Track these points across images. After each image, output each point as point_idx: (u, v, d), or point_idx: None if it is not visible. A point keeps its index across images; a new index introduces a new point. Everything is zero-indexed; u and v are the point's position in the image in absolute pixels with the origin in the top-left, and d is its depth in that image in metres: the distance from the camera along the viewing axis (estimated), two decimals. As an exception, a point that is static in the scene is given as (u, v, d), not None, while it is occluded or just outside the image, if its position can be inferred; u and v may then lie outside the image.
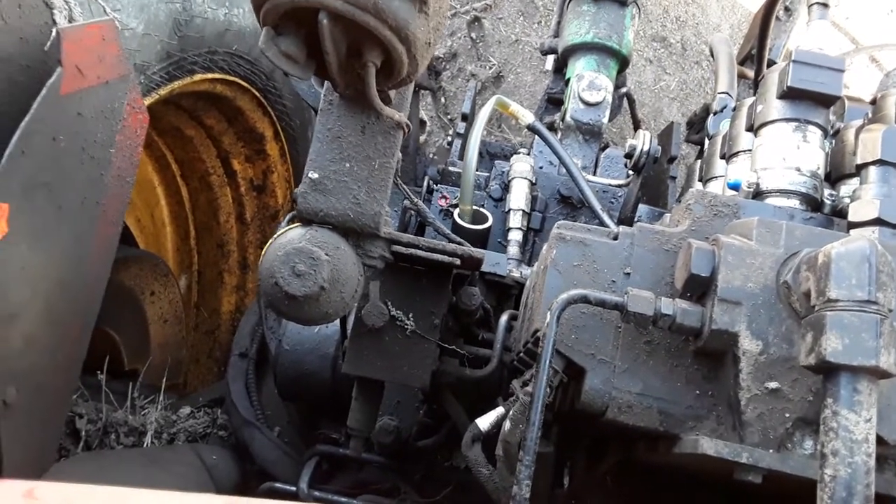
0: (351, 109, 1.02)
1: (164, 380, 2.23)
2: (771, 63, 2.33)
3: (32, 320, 1.15)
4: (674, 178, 2.37)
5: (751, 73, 2.59)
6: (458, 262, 1.21)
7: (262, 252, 1.01)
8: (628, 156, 1.71)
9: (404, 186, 1.25)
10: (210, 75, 1.91)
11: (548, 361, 0.99)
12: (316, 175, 1.03)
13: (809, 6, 1.52)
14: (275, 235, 1.02)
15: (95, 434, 1.99)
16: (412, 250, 1.14)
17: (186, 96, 2.02)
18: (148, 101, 1.62)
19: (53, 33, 1.12)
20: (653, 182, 2.39)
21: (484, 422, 1.23)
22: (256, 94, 2.17)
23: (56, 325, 1.22)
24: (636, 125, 3.03)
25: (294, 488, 1.57)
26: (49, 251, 1.13)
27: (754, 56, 2.48)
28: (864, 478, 0.79)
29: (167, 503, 0.70)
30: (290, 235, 1.01)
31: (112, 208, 1.24)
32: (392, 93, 1.00)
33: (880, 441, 0.93)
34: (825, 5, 1.61)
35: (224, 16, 1.84)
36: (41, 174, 1.07)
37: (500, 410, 1.23)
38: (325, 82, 1.00)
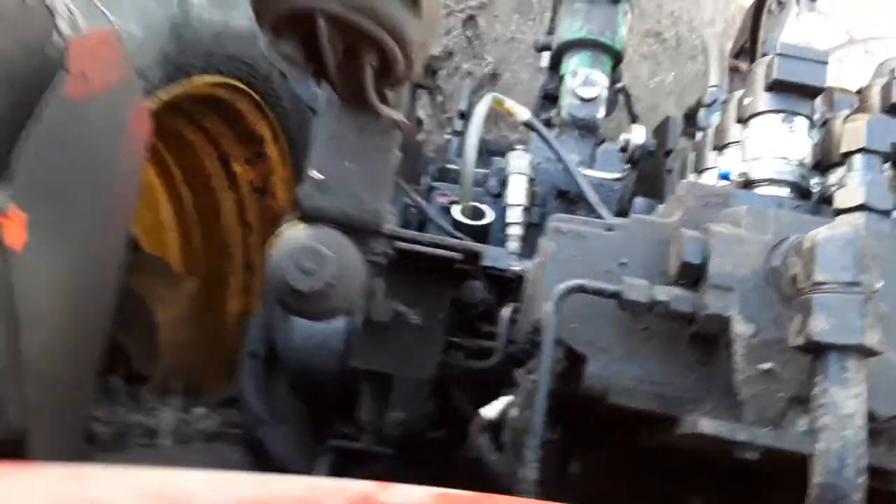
0: (349, 110, 1.05)
1: (176, 382, 2.26)
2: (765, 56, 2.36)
3: (52, 326, 1.19)
4: (670, 171, 2.40)
5: (745, 67, 2.62)
6: (459, 256, 1.24)
7: (269, 251, 1.04)
8: (623, 149, 1.74)
9: (404, 184, 1.28)
10: (209, 78, 1.94)
11: (549, 349, 1.03)
12: (317, 175, 1.06)
13: (772, 9, 1.54)
14: (280, 235, 1.05)
15: (112, 436, 2.03)
16: (415, 246, 1.17)
17: (186, 100, 2.05)
18: (148, 105, 1.65)
19: (58, 41, 1.15)
20: (650, 175, 2.42)
21: (490, 411, 1.27)
22: (255, 96, 2.20)
23: (73, 329, 1.26)
24: (633, 120, 3.06)
25: None
26: (64, 257, 1.16)
27: (748, 50, 2.51)
28: (854, 449, 0.83)
29: (213, 481, 0.74)
30: (296, 234, 1.04)
31: (120, 213, 1.28)
32: (389, 93, 1.04)
33: (872, 416, 0.96)
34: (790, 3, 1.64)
35: (221, 18, 1.87)
36: (53, 182, 1.11)
37: (505, 399, 1.26)
38: (324, 84, 1.03)
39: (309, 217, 1.09)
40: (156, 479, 0.74)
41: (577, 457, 1.37)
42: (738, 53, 2.92)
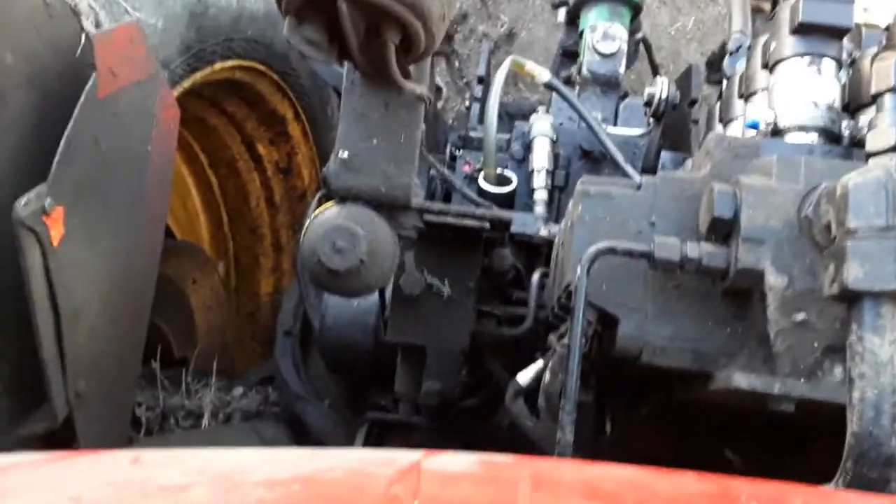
0: (373, 87, 1.06)
1: (215, 363, 2.33)
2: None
3: (94, 316, 1.23)
4: (696, 121, 2.36)
5: (767, 6, 2.54)
6: (487, 225, 1.26)
7: (303, 232, 1.07)
8: (647, 104, 1.72)
9: (429, 156, 1.29)
10: (229, 63, 1.96)
11: (581, 313, 1.04)
12: (345, 154, 1.08)
13: None
14: (312, 215, 1.07)
15: (155, 420, 2.10)
16: (443, 218, 1.19)
17: (208, 86, 2.07)
18: (173, 94, 1.67)
19: (83, 38, 1.17)
20: (675, 127, 2.39)
21: (524, 376, 1.29)
22: (274, 76, 2.21)
23: (115, 318, 1.30)
24: (654, 70, 3.00)
25: None
26: (102, 249, 1.20)
27: (770, -12, 2.43)
28: (891, 397, 0.83)
29: (266, 458, 0.77)
30: (327, 214, 1.07)
31: (155, 202, 1.31)
32: (411, 67, 1.04)
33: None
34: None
35: (237, 2, 1.87)
36: (88, 176, 1.14)
37: (539, 364, 1.28)
38: (347, 63, 1.04)
39: (338, 195, 1.11)
40: (211, 459, 0.77)
41: (612, 417, 1.40)
42: (763, -6, 2.83)
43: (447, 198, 1.96)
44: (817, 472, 0.89)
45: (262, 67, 2.09)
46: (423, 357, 1.49)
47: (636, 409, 1.34)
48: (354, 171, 1.08)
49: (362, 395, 1.89)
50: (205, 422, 2.16)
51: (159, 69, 1.32)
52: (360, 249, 1.01)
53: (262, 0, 1.94)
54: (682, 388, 1.15)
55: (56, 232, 1.08)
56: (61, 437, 1.20)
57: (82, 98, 1.09)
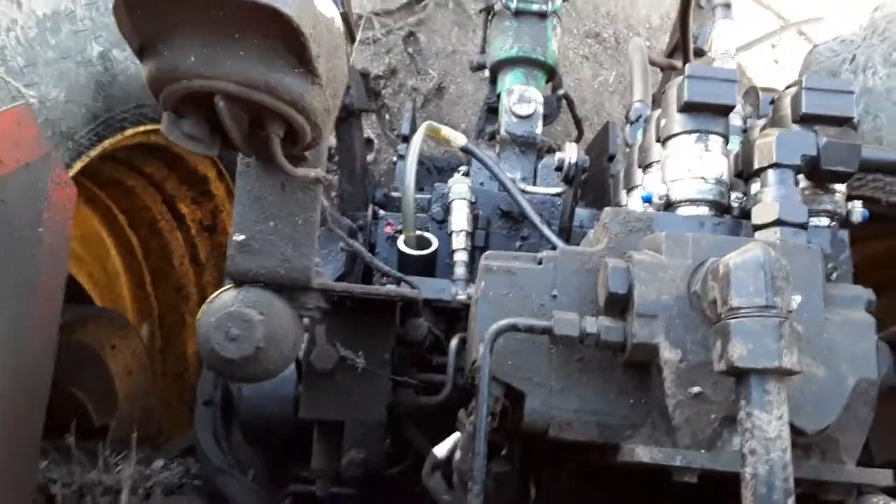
0: (268, 170, 1.05)
1: (136, 433, 2.23)
2: (699, 52, 2.40)
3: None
4: (614, 176, 2.43)
5: (680, 65, 2.66)
6: (406, 292, 1.25)
7: (198, 317, 1.04)
8: (558, 168, 1.77)
9: (339, 231, 1.28)
10: (142, 128, 1.92)
11: (487, 391, 1.04)
12: (242, 236, 1.06)
13: (713, 8, 1.57)
14: (207, 301, 1.04)
15: (71, 497, 1.99)
16: (349, 293, 1.17)
17: (122, 150, 2.02)
18: (79, 164, 1.63)
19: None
20: (596, 182, 2.45)
21: (441, 449, 1.27)
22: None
23: (5, 405, 1.23)
24: (577, 125, 3.11)
25: None
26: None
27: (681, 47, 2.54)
28: (781, 473, 0.85)
29: None
30: (223, 299, 1.04)
31: (48, 284, 1.26)
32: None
33: (800, 432, 0.99)
34: (727, 5, 1.67)
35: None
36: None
37: (456, 436, 1.27)
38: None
39: (236, 279, 1.08)
40: None
41: (537, 482, 1.39)
42: (673, 51, 2.96)
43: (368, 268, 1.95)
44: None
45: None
46: (341, 430, 1.45)
47: (558, 474, 1.33)
48: (252, 254, 1.06)
49: (284, 467, 1.83)
50: (124, 498, 2.06)
51: (50, 150, 1.28)
52: (255, 336, 0.99)
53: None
54: (597, 455, 1.15)
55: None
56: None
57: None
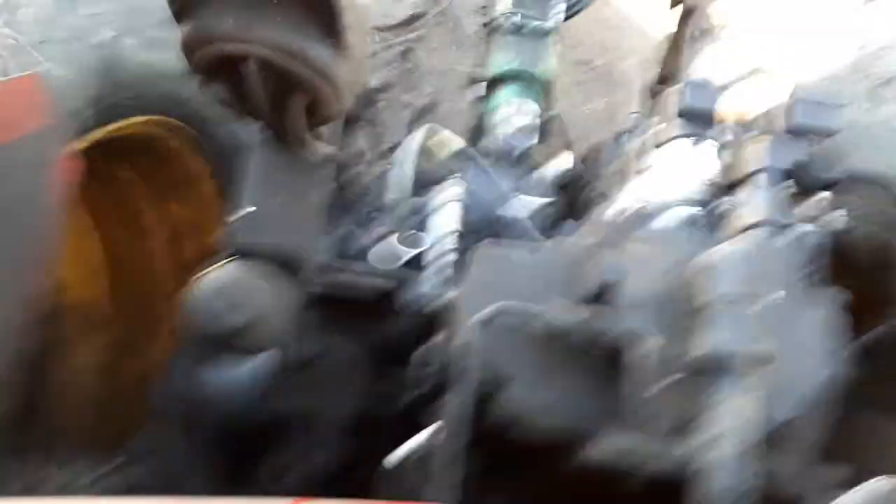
0: (281, 146, 1.08)
1: (92, 439, 2.20)
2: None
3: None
4: (601, 193, 2.49)
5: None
6: (389, 287, 1.27)
7: (192, 288, 1.06)
8: (551, 177, 1.82)
9: (334, 223, 1.30)
10: (143, 118, 1.94)
11: (474, 374, 1.07)
12: (249, 209, 1.09)
13: (692, 36, 1.64)
14: (206, 271, 1.07)
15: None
16: (342, 277, 1.20)
17: (118, 139, 2.04)
18: (79, 146, 1.65)
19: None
20: (581, 199, 2.51)
21: (394, 458, 1.26)
22: (189, 133, 2.20)
23: None
24: (567, 146, 3.17)
25: None
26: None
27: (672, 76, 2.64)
28: (749, 460, 0.89)
29: None
30: (222, 270, 1.06)
31: (42, 256, 1.27)
32: (323, 128, 1.07)
33: (770, 421, 1.03)
34: (709, 32, 1.74)
35: (154, 59, 1.88)
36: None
37: (411, 444, 1.26)
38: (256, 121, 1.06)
39: (240, 252, 1.11)
40: None
41: (499, 488, 1.39)
42: (662, 80, 3.06)
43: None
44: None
45: (176, 123, 2.08)
46: (313, 425, 1.45)
47: (527, 475, 1.35)
48: (256, 228, 1.09)
49: (245, 471, 1.81)
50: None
51: (61, 121, 1.30)
52: (252, 305, 1.01)
53: (179, 57, 1.95)
54: (567, 452, 1.16)
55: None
56: None
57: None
